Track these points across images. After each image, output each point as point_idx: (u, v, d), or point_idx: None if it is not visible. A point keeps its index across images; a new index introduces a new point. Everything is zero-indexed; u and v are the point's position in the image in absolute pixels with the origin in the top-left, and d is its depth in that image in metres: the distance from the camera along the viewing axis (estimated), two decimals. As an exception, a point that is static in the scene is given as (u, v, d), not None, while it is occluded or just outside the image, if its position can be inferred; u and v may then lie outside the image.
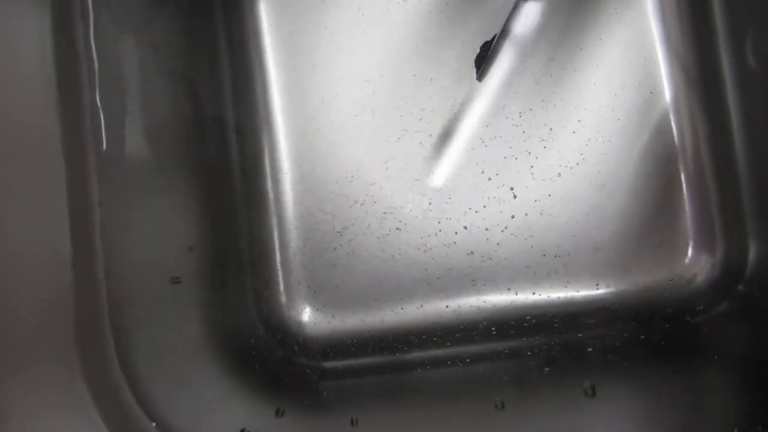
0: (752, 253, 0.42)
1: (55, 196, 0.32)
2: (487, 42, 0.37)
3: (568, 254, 0.43)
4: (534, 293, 0.43)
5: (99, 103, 0.34)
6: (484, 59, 0.36)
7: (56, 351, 0.31)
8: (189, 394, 0.35)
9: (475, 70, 0.39)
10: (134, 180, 0.36)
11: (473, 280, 0.43)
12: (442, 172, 0.44)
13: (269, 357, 0.42)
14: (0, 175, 0.31)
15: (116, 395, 0.32)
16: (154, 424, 0.32)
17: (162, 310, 0.36)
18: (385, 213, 0.43)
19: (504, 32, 0.34)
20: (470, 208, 0.43)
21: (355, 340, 0.43)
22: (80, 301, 0.32)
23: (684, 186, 0.43)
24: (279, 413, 0.37)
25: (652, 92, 0.43)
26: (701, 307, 0.42)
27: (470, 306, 0.43)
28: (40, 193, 0.32)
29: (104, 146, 0.34)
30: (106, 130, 0.34)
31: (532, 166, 0.43)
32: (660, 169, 0.43)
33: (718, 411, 0.35)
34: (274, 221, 0.44)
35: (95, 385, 0.31)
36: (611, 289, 0.43)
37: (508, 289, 0.43)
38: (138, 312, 0.35)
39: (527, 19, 0.43)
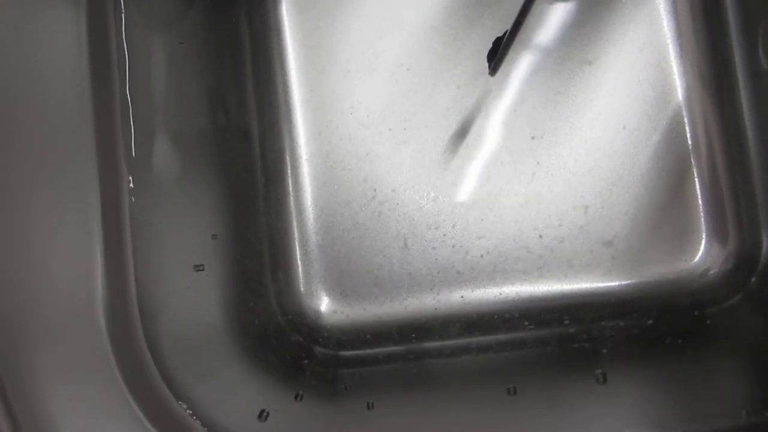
0: (765, 247, 0.43)
1: (88, 183, 0.34)
2: (498, 38, 0.38)
3: (582, 247, 0.44)
4: (548, 286, 0.44)
5: (129, 96, 0.35)
6: (496, 54, 0.37)
7: (87, 333, 0.33)
8: (212, 377, 0.37)
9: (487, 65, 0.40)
10: (162, 170, 0.38)
11: (488, 273, 0.44)
12: (459, 167, 0.45)
13: (288, 344, 0.43)
14: (35, 164, 0.33)
15: (144, 375, 0.34)
16: (180, 402, 0.33)
17: (187, 295, 0.37)
18: (403, 207, 0.45)
19: (516, 27, 0.36)
20: (484, 202, 0.44)
21: (372, 330, 0.44)
22: (110, 285, 0.34)
23: (697, 180, 0.44)
24: (298, 398, 0.39)
25: (665, 89, 0.44)
26: (714, 300, 0.43)
27: (485, 298, 0.44)
28: (74, 180, 0.33)
29: (133, 137, 0.36)
30: (135, 123, 0.36)
31: (546, 161, 0.44)
32: (673, 163, 0.44)
33: (728, 396, 0.35)
34: (294, 214, 0.45)
35: (124, 365, 0.33)
36: (624, 282, 0.44)
37: (521, 282, 0.44)
38: (164, 297, 0.36)
39: (541, 16, 0.44)
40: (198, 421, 0.34)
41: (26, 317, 0.31)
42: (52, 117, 0.32)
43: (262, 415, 0.36)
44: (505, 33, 0.37)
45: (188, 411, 0.33)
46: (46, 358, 0.31)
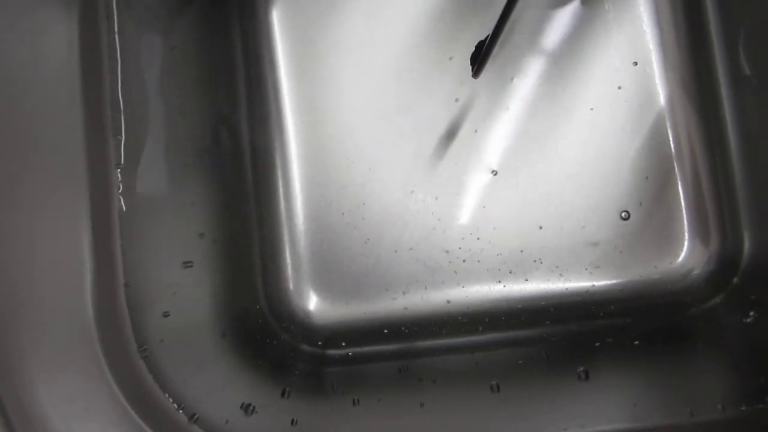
0: (747, 247, 0.43)
1: (77, 181, 0.34)
2: (481, 41, 0.39)
3: (568, 248, 0.44)
4: (533, 285, 0.45)
5: (120, 98, 0.36)
6: (478, 57, 0.38)
7: (76, 329, 0.33)
8: (199, 372, 0.37)
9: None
10: (151, 170, 0.38)
11: (473, 273, 0.45)
12: (447, 170, 0.45)
13: (276, 342, 0.43)
14: (26, 164, 0.33)
15: (132, 369, 0.34)
16: (166, 395, 0.34)
17: (175, 291, 0.38)
18: (391, 209, 0.45)
19: (497, 31, 0.36)
20: (472, 204, 0.45)
21: (359, 329, 0.45)
22: (99, 282, 0.34)
23: (679, 183, 0.45)
24: (285, 394, 0.39)
25: (648, 94, 0.45)
26: (697, 300, 0.43)
27: (471, 298, 0.45)
28: (63, 179, 0.34)
29: (123, 138, 0.36)
30: (125, 124, 0.37)
31: (531, 165, 0.45)
32: (656, 167, 0.45)
33: (706, 391, 0.36)
34: (283, 214, 0.46)
35: (113, 359, 0.33)
36: (609, 282, 0.44)
37: (507, 282, 0.45)
38: (153, 292, 0.37)
39: (527, 23, 0.45)
40: (184, 415, 0.34)
41: (14, 314, 0.32)
42: (43, 117, 0.33)
43: (249, 410, 0.36)
44: (487, 37, 0.38)
45: (175, 404, 0.34)
46: (35, 354, 0.32)
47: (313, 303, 0.45)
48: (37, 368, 0.31)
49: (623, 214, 0.44)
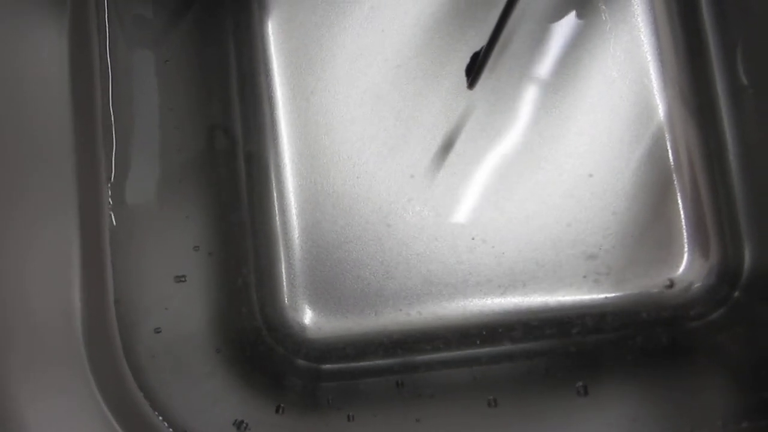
0: (748, 260, 0.43)
1: (67, 196, 0.34)
2: (476, 52, 0.39)
3: (566, 261, 0.44)
4: (531, 299, 0.44)
5: (112, 112, 0.36)
6: (473, 68, 0.38)
7: (64, 344, 0.33)
8: (191, 388, 0.37)
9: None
10: (143, 184, 0.38)
11: (471, 287, 0.44)
12: (443, 183, 0.45)
13: (271, 356, 0.43)
14: (15, 179, 0.33)
15: (122, 386, 0.34)
16: (156, 413, 0.34)
17: (167, 306, 0.38)
18: (388, 222, 0.45)
19: (492, 41, 0.36)
20: (469, 217, 0.45)
21: (355, 344, 0.44)
22: (88, 296, 0.34)
23: (679, 195, 0.44)
24: (279, 410, 0.39)
25: (646, 105, 0.45)
26: (697, 314, 0.43)
27: (468, 312, 0.44)
28: (52, 194, 0.34)
29: (114, 153, 0.36)
30: (116, 137, 0.36)
31: (530, 176, 0.45)
32: (655, 179, 0.44)
33: (706, 407, 0.35)
34: (278, 228, 0.45)
35: (101, 375, 0.33)
36: (607, 296, 0.44)
37: (505, 295, 0.44)
38: (143, 307, 0.36)
39: (524, 34, 0.45)
40: (175, 433, 0.34)
41: (1, 333, 0.31)
42: (33, 133, 0.33)
43: (242, 427, 0.36)
44: (482, 48, 0.37)
45: (165, 422, 0.33)
46: (22, 374, 0.31)
47: (308, 317, 0.45)
48: (24, 388, 0.31)
49: (622, 228, 0.44)
